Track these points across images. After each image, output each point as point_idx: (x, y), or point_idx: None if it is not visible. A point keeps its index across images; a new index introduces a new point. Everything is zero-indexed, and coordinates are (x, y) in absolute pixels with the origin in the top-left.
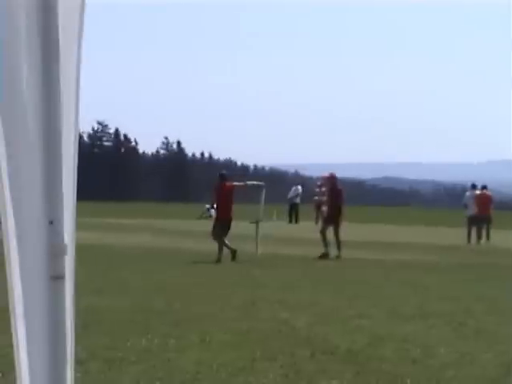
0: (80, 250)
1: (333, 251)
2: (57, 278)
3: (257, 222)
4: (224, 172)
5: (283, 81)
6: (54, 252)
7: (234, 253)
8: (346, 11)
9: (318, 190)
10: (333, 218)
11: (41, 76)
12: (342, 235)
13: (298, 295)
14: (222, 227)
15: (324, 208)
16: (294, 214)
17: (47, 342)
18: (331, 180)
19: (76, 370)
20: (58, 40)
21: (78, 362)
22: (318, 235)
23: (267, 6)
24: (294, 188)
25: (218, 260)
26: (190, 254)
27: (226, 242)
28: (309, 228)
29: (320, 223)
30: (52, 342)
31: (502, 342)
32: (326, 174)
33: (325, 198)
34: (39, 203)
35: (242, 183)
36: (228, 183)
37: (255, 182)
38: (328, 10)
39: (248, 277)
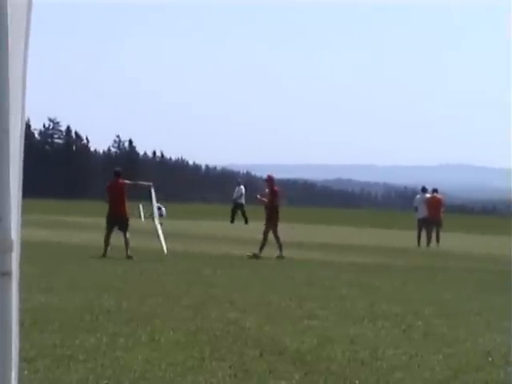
0: (29, 247)
1: (276, 252)
2: (4, 274)
3: (153, 219)
4: (118, 169)
5: (237, 80)
6: (1, 248)
7: (105, 250)
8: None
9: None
10: (271, 219)
11: None
12: (290, 236)
13: (248, 295)
14: (113, 222)
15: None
16: (238, 213)
17: None
18: (269, 181)
19: (24, 368)
20: (6, 38)
21: (27, 359)
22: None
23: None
24: (237, 188)
25: (103, 255)
26: (139, 252)
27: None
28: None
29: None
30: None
31: (450, 345)
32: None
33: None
34: None
35: (132, 182)
36: (121, 180)
37: (145, 183)
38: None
39: (198, 276)
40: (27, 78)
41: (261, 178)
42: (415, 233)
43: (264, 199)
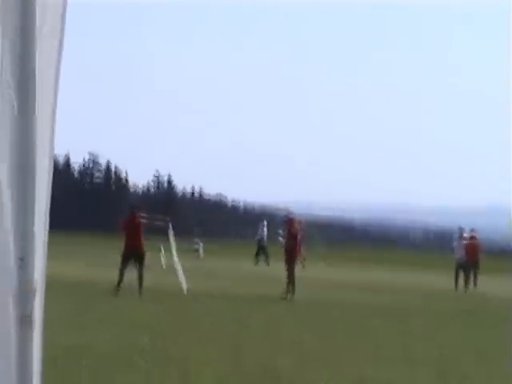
0: (67, 286)
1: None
2: (24, 319)
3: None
4: (135, 204)
5: (279, 117)
6: (23, 292)
7: (118, 284)
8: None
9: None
10: (289, 259)
11: (16, 107)
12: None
13: (284, 337)
14: (129, 257)
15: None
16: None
17: None
18: (288, 223)
19: None
20: (34, 67)
21: None
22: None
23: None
24: (260, 228)
25: (116, 289)
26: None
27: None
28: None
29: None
30: None
31: None
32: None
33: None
34: (9, 241)
35: (147, 217)
36: (138, 216)
37: (162, 218)
38: None
39: (234, 317)
40: (57, 113)
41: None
42: (453, 274)
43: (281, 240)
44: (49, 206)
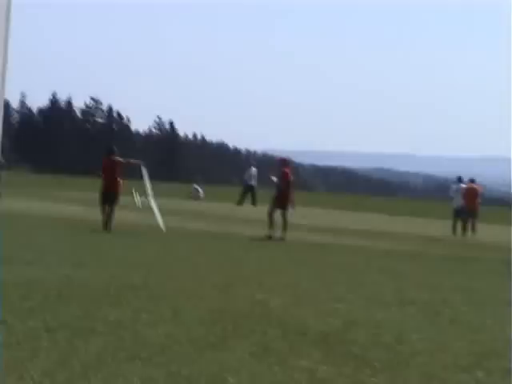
0: (67, 222)
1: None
2: None
3: (146, 198)
4: (112, 146)
5: (282, 65)
6: None
7: (103, 224)
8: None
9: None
10: (281, 201)
11: None
12: (328, 221)
13: (277, 277)
14: (105, 198)
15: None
16: (247, 195)
17: None
18: (281, 163)
19: (43, 339)
20: None
21: (47, 330)
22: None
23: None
24: (248, 170)
25: (103, 228)
26: (174, 232)
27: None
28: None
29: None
30: None
31: (475, 332)
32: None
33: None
34: None
35: (124, 160)
36: (114, 158)
37: (136, 161)
38: None
39: (229, 256)
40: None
41: (300, 164)
42: (451, 222)
43: (275, 180)
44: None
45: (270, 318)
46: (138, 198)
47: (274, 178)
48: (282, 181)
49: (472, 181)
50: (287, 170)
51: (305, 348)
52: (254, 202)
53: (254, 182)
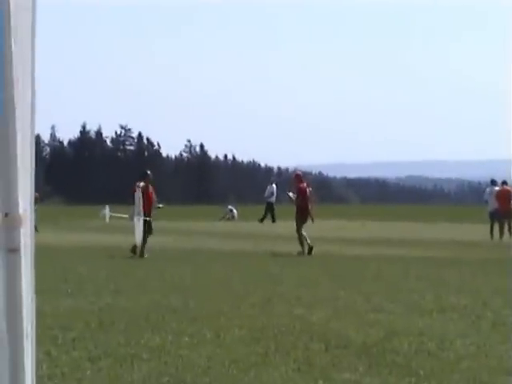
0: (102, 251)
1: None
2: (11, 251)
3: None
4: (146, 171)
5: (308, 79)
6: (8, 224)
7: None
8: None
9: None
10: (301, 217)
11: None
12: (360, 233)
13: (315, 291)
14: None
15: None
16: (269, 212)
17: (3, 317)
18: (295, 179)
19: (87, 368)
20: (10, 43)
21: (90, 359)
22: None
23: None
24: (268, 187)
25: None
26: (210, 253)
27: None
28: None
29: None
30: (8, 316)
31: None
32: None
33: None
34: None
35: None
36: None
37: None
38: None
39: (266, 274)
40: (36, 79)
41: (334, 178)
42: (488, 226)
43: (292, 196)
44: (34, 142)
45: (310, 333)
46: (106, 214)
47: (291, 194)
48: (300, 196)
49: (504, 183)
50: (303, 186)
51: (348, 361)
52: (273, 220)
53: (273, 199)
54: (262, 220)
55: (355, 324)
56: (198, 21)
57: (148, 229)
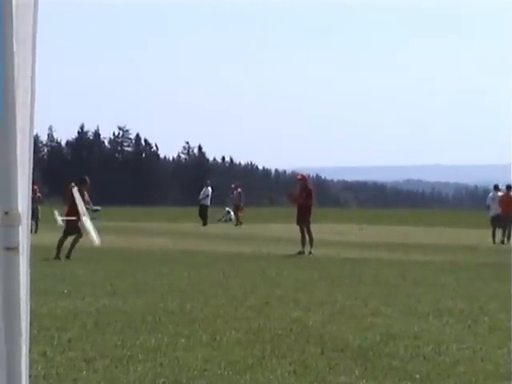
0: (98, 252)
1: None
2: (9, 249)
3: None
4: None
5: (305, 82)
6: (7, 222)
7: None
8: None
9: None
10: (305, 217)
11: None
12: (358, 236)
13: (312, 295)
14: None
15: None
16: (203, 214)
17: (1, 317)
18: (302, 180)
19: (83, 369)
20: (12, 43)
21: (86, 360)
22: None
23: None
24: (204, 189)
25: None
26: (207, 255)
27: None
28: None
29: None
30: (6, 315)
31: None
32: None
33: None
34: None
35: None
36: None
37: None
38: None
39: (263, 276)
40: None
41: (331, 181)
42: (486, 231)
43: (292, 197)
44: (32, 142)
45: (307, 336)
46: (57, 217)
47: (293, 197)
48: (309, 197)
49: (509, 187)
50: (311, 187)
51: (344, 364)
52: (204, 223)
53: (207, 202)
54: (204, 224)
55: (352, 327)
56: (196, 22)
57: (70, 230)
